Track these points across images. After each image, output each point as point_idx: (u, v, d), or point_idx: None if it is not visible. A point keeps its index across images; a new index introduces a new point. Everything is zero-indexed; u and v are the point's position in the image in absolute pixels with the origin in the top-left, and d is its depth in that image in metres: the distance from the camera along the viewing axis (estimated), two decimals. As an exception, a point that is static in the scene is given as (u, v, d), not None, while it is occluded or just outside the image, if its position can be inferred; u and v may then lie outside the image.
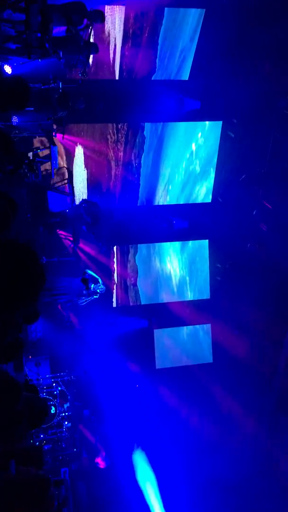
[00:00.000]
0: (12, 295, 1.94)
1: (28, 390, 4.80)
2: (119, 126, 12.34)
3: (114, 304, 13.47)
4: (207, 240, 13.66)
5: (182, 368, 13.72)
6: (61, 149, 11.86)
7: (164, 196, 13.26)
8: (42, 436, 11.19)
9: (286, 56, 11.23)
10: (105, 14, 9.63)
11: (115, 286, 13.43)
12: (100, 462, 12.45)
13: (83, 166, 12.47)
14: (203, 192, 13.34)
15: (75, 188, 12.29)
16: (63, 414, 11.48)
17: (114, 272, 13.32)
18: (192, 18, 11.51)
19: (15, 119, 9.49)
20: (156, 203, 13.26)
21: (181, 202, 13.36)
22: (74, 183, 12.28)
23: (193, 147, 13.01)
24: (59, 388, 11.52)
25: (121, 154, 12.55)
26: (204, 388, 13.22)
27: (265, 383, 13.38)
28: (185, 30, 11.61)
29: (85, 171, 12.51)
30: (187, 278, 13.93)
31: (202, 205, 13.35)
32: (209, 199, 13.32)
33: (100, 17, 9.33)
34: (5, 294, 1.92)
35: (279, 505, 12.28)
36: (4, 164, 3.62)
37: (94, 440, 12.40)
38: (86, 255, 12.56)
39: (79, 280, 10.18)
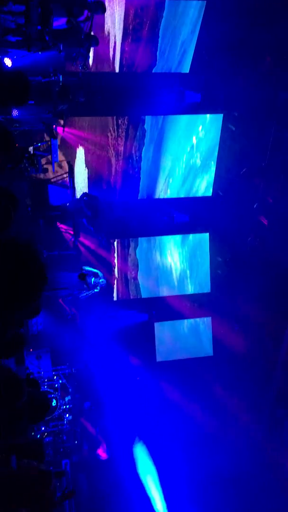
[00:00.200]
0: (13, 296, 1.93)
1: (29, 384, 4.82)
2: (120, 119, 12.29)
3: (115, 298, 13.48)
4: (207, 234, 13.64)
5: (183, 361, 13.76)
6: (61, 142, 11.82)
7: (165, 190, 13.23)
8: (43, 428, 11.24)
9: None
10: (105, 10, 9.50)
11: (115, 279, 13.44)
12: (102, 453, 12.53)
13: (84, 159, 12.43)
14: (203, 186, 13.31)
15: (75, 182, 12.27)
16: (64, 407, 11.53)
17: (114, 266, 13.32)
18: (193, 10, 11.43)
19: (15, 113, 9.46)
20: (156, 197, 13.24)
21: (182, 196, 13.33)
22: (74, 176, 12.26)
23: (194, 140, 12.95)
24: (60, 381, 11.57)
25: (121, 147, 12.51)
26: (204, 381, 13.27)
27: (264, 376, 13.42)
28: (186, 22, 11.53)
29: (85, 164, 12.47)
30: (188, 271, 13.93)
31: (203, 198, 13.32)
32: (209, 193, 13.29)
33: (100, 8, 9.27)
34: (5, 294, 1.92)
35: (277, 498, 12.37)
36: (5, 163, 3.61)
37: (94, 432, 12.47)
38: (87, 248, 12.56)
39: (79, 274, 10.20)
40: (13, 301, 1.95)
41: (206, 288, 13.93)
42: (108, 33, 11.17)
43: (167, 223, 13.17)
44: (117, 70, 11.68)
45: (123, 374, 12.75)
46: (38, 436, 11.07)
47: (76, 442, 11.98)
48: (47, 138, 10.81)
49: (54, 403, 11.25)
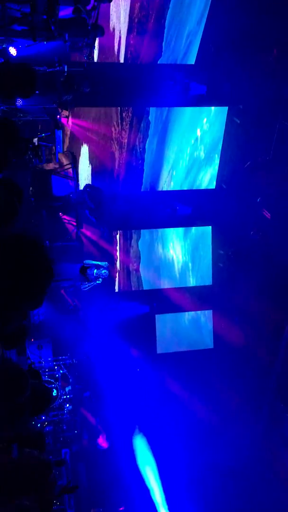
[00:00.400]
0: (19, 291, 1.94)
1: (31, 375, 4.85)
2: (124, 111, 12.24)
3: (116, 289, 13.51)
4: (210, 227, 13.63)
5: (183, 353, 13.81)
6: (65, 132, 11.77)
7: (168, 182, 13.19)
8: (43, 418, 11.33)
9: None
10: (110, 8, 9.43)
11: (117, 271, 13.45)
12: (102, 442, 12.62)
13: (88, 150, 12.39)
14: (207, 179, 13.27)
15: (79, 173, 12.24)
16: (65, 396, 11.61)
17: (116, 258, 13.33)
18: (200, 0, 11.31)
19: (19, 102, 9.41)
20: (160, 189, 13.21)
21: (185, 188, 13.30)
22: (78, 168, 12.22)
23: (198, 132, 12.90)
24: (61, 371, 11.63)
25: (125, 138, 12.46)
26: (204, 374, 13.33)
27: (264, 370, 13.46)
28: (192, 13, 11.42)
29: (89, 155, 12.44)
30: (190, 264, 13.94)
31: (206, 191, 13.29)
32: (213, 186, 13.26)
33: (107, -4, 9.20)
34: (12, 290, 1.92)
35: (277, 491, 12.47)
36: (11, 157, 3.60)
37: (94, 422, 12.56)
38: (89, 240, 12.56)
39: (80, 267, 10.21)
40: (19, 296, 1.96)
41: (208, 281, 13.95)
42: (114, 28, 11.09)
43: (170, 216, 13.14)
44: (122, 60, 11.60)
45: (124, 365, 12.81)
46: (39, 425, 11.15)
47: (76, 431, 12.07)
48: (51, 128, 10.75)
49: (54, 393, 11.32)
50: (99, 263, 10.62)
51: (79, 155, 12.28)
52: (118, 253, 13.36)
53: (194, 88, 12.00)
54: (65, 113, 10.84)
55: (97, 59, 11.18)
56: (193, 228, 13.75)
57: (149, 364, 13.15)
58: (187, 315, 14.23)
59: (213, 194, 13.20)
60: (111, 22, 10.96)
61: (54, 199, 11.72)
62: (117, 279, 13.46)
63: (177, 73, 11.84)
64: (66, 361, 11.84)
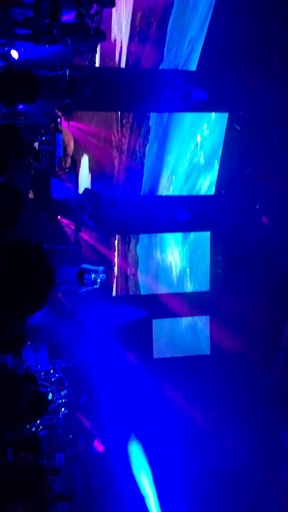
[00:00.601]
0: (20, 298, 1.94)
1: (28, 380, 4.83)
2: (125, 116, 12.25)
3: (114, 294, 13.49)
4: (208, 232, 13.63)
5: (180, 359, 13.79)
6: (66, 136, 11.78)
7: (168, 187, 13.21)
8: (38, 422, 11.27)
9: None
10: (114, 3, 9.43)
11: (115, 275, 13.44)
12: (98, 446, 12.57)
13: (88, 154, 12.40)
14: (206, 184, 13.28)
15: (79, 177, 12.24)
16: (60, 401, 11.56)
17: (114, 262, 13.32)
18: (202, 7, 11.34)
19: (20, 105, 9.41)
20: (159, 194, 13.21)
21: (184, 194, 13.31)
22: (78, 171, 12.22)
23: (198, 138, 12.92)
24: (57, 375, 11.59)
25: (125, 143, 12.48)
26: (200, 380, 13.30)
27: (261, 376, 13.44)
28: (194, 19, 11.46)
29: (89, 159, 12.45)
30: (188, 269, 13.93)
31: (205, 197, 13.29)
32: (212, 192, 13.27)
33: (110, 1, 9.21)
34: (13, 297, 1.92)
35: (273, 497, 12.43)
36: (12, 161, 3.59)
37: (90, 426, 12.51)
38: (87, 243, 12.55)
39: (77, 271, 10.21)
40: (20, 303, 1.96)
41: (206, 287, 13.94)
42: (115, 39, 11.14)
43: (169, 221, 13.14)
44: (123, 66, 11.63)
45: (120, 370, 12.78)
46: (33, 429, 11.09)
47: (70, 436, 12.02)
48: (51, 132, 10.76)
49: (50, 396, 11.27)
50: (96, 267, 10.60)
51: (80, 159, 12.28)
52: (116, 257, 13.35)
53: (195, 94, 12.04)
54: (66, 116, 10.84)
55: (99, 65, 11.20)
56: (192, 233, 13.75)
57: (145, 369, 13.13)
58: (184, 321, 14.21)
59: (212, 200, 13.21)
60: (112, 33, 10.99)
61: (53, 202, 11.72)
62: (114, 283, 13.44)
63: (178, 79, 11.87)
64: (62, 365, 11.80)
